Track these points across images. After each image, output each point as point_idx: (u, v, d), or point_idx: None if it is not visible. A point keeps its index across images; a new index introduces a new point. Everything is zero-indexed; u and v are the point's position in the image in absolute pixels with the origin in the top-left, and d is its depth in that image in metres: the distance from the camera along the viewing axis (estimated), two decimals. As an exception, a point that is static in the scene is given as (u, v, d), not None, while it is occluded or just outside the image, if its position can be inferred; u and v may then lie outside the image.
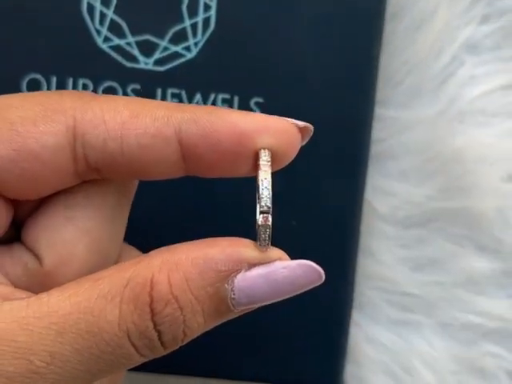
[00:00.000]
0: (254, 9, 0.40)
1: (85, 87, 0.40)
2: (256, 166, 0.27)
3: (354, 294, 0.43)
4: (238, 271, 0.26)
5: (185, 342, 0.26)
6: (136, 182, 0.31)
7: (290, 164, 0.41)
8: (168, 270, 0.25)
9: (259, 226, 0.26)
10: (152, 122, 0.27)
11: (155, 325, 0.25)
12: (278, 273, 0.26)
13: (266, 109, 0.40)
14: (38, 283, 0.28)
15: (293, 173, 0.41)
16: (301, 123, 0.28)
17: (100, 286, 0.25)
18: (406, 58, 0.43)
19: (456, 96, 0.43)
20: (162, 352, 0.26)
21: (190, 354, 0.41)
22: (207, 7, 0.40)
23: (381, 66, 0.41)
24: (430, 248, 0.44)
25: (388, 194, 0.44)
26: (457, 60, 0.43)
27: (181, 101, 0.40)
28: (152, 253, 0.26)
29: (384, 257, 0.44)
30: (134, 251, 0.32)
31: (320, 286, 0.42)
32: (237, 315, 0.27)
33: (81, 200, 0.29)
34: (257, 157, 0.27)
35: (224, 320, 0.27)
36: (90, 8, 0.39)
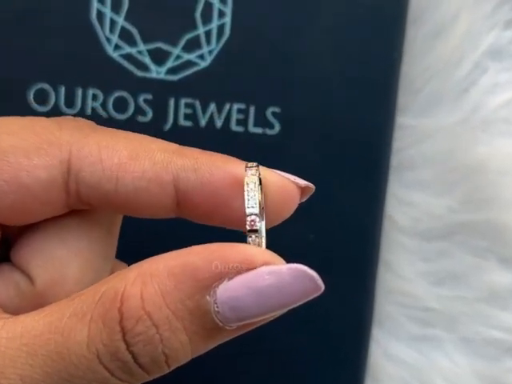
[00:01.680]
0: (270, 16, 0.38)
1: (94, 97, 0.38)
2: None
3: (374, 308, 0.42)
4: (220, 280, 0.23)
5: (173, 366, 0.24)
6: None
7: (306, 174, 0.40)
8: (142, 282, 0.23)
9: (247, 231, 0.24)
10: (150, 166, 0.26)
11: (128, 345, 0.23)
12: (263, 280, 0.23)
13: (283, 118, 0.39)
14: (31, 304, 0.27)
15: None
16: (302, 182, 0.27)
17: (74, 304, 0.24)
18: (427, 64, 0.42)
19: (479, 104, 0.41)
20: (145, 376, 0.24)
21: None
22: (222, 14, 0.38)
23: (401, 72, 0.40)
24: (451, 261, 0.43)
25: (408, 205, 0.43)
26: (479, 67, 0.41)
27: (194, 111, 0.39)
28: (132, 265, 0.24)
29: (404, 270, 0.43)
30: (125, 267, 0.31)
31: (339, 300, 0.41)
32: (235, 334, 0.24)
33: (73, 221, 0.28)
34: None
35: (218, 340, 0.24)
36: (100, 15, 0.38)
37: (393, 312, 0.43)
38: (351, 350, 0.42)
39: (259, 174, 0.25)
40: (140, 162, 0.26)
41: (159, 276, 0.23)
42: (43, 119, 0.27)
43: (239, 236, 0.25)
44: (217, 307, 0.23)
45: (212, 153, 0.27)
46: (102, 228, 0.28)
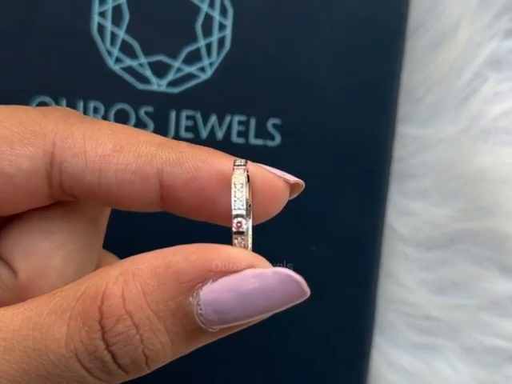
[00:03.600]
0: (270, 29, 0.38)
1: (96, 110, 0.38)
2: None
3: (375, 317, 0.42)
4: (204, 282, 0.23)
5: (153, 367, 0.23)
6: None
7: (308, 185, 0.40)
8: (124, 281, 0.23)
9: (232, 233, 0.23)
10: (134, 159, 0.25)
11: (107, 345, 0.22)
12: (247, 284, 0.22)
13: (284, 130, 0.39)
14: (14, 296, 0.27)
15: (311, 194, 0.40)
16: (292, 179, 0.26)
17: (54, 300, 0.23)
18: (427, 74, 0.41)
19: (479, 113, 0.41)
20: (124, 377, 0.23)
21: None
22: (222, 26, 0.38)
23: (402, 82, 0.40)
24: (452, 270, 0.43)
25: (408, 214, 0.43)
26: (480, 76, 0.41)
27: (196, 123, 0.39)
28: (116, 263, 0.24)
29: (405, 279, 0.43)
30: (113, 259, 0.31)
31: (341, 309, 0.41)
32: (217, 337, 0.24)
33: (57, 212, 0.27)
34: None
35: (200, 342, 0.24)
36: (101, 28, 0.38)
37: (394, 320, 0.43)
38: (353, 358, 0.42)
39: (247, 172, 0.25)
40: (124, 155, 0.25)
41: (142, 276, 0.23)
42: (29, 108, 0.26)
43: (225, 234, 0.25)
44: (200, 309, 0.23)
45: (199, 146, 0.26)
46: (88, 219, 0.28)
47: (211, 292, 0.22)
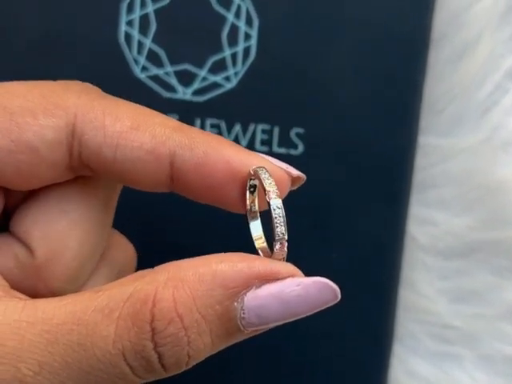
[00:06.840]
0: (295, 39, 0.39)
1: (122, 117, 0.39)
2: (243, 202, 0.27)
3: (394, 325, 0.42)
4: (248, 289, 0.24)
5: (189, 366, 0.25)
6: None
7: (330, 193, 0.40)
8: (173, 286, 0.24)
9: (275, 252, 0.25)
10: (149, 139, 0.26)
11: (156, 345, 0.23)
12: (290, 291, 0.24)
13: (307, 139, 0.40)
14: (30, 275, 0.27)
15: (333, 203, 0.40)
16: (294, 172, 0.27)
17: (99, 299, 0.24)
18: (449, 85, 0.42)
19: (500, 125, 0.42)
20: (162, 375, 0.24)
21: None
22: (248, 36, 0.39)
23: (424, 93, 0.40)
24: (471, 279, 0.43)
25: (429, 223, 0.43)
26: (501, 88, 0.42)
27: (220, 132, 0.39)
28: (158, 268, 0.25)
29: (424, 288, 0.43)
30: (120, 237, 0.32)
31: (361, 317, 0.42)
32: (246, 337, 0.25)
33: (74, 192, 0.28)
34: (245, 197, 0.27)
35: (232, 342, 0.25)
36: (128, 37, 0.39)
37: (413, 329, 0.44)
38: (372, 367, 0.42)
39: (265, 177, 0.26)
40: (140, 133, 0.26)
41: (190, 281, 0.24)
42: (50, 82, 0.27)
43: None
44: (243, 313, 0.24)
45: (211, 134, 0.27)
46: (101, 200, 0.29)
47: (255, 298, 0.24)
